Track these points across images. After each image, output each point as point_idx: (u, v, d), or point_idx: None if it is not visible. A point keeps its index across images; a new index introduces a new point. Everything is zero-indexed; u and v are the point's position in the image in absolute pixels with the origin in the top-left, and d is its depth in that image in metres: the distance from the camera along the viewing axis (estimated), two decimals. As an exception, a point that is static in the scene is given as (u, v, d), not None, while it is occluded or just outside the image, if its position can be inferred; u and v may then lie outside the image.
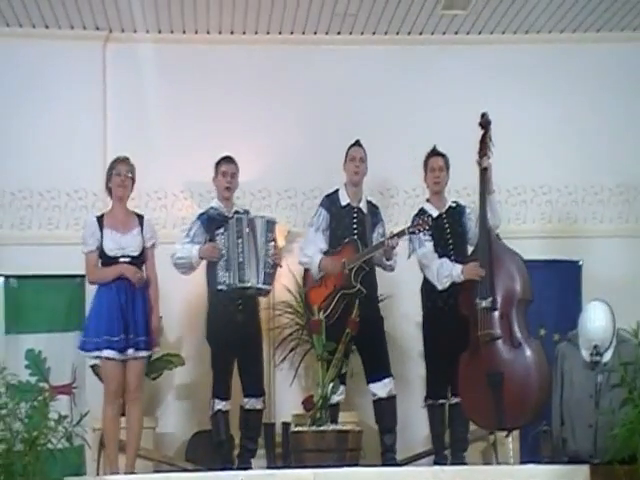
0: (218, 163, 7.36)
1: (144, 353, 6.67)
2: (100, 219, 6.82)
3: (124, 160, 6.86)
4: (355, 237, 7.22)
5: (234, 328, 7.10)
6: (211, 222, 7.22)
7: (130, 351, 6.58)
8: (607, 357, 6.45)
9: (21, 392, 6.15)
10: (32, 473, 5.60)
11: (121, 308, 6.61)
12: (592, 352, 6.46)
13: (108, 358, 6.54)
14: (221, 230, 7.19)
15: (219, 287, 7.13)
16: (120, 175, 6.80)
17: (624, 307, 6.63)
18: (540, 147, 8.69)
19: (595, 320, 6.53)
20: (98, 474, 6.74)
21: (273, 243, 7.25)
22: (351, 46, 8.77)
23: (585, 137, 8.73)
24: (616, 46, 8.80)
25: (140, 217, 6.93)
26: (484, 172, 7.15)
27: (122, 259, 6.71)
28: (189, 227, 7.28)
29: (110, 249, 6.71)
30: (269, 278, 7.21)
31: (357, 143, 7.41)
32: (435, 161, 7.36)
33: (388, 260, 7.23)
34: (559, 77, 8.80)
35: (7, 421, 5.65)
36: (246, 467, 6.87)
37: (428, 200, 7.44)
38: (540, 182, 8.79)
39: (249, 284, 7.11)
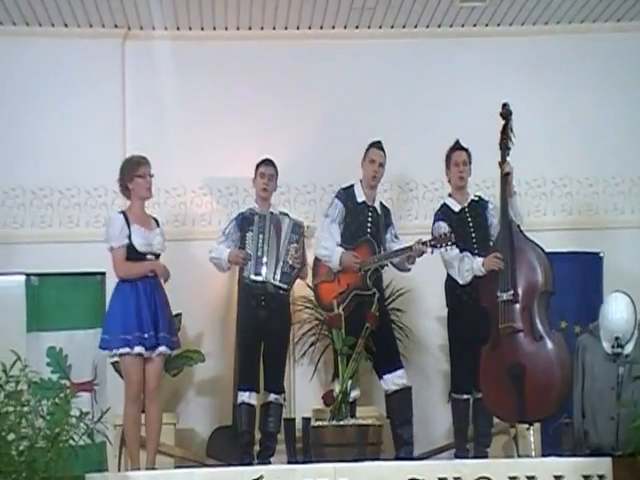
0: (258, 165, 7.48)
1: (164, 349, 6.66)
2: (125, 216, 6.80)
3: (146, 162, 6.85)
4: (369, 236, 7.24)
5: (257, 323, 7.20)
6: (244, 221, 7.34)
7: (162, 348, 6.61)
8: (629, 349, 6.44)
9: (43, 389, 6.16)
10: (54, 469, 5.61)
11: (149, 305, 6.62)
12: (613, 344, 6.44)
13: (130, 355, 6.54)
14: (250, 227, 7.30)
15: (245, 281, 7.24)
16: (145, 177, 6.80)
17: (646, 298, 6.61)
18: (560, 139, 8.64)
19: (616, 312, 6.52)
20: (119, 470, 6.76)
21: (296, 245, 7.30)
22: (369, 40, 8.74)
23: (606, 128, 8.65)
24: (638, 35, 8.70)
25: (156, 220, 6.96)
26: (506, 177, 7.11)
27: (149, 256, 6.73)
28: (227, 226, 7.45)
29: (140, 244, 6.70)
30: (286, 278, 7.25)
31: (378, 145, 7.38)
32: (459, 155, 7.33)
33: (411, 264, 7.24)
34: (580, 68, 8.72)
35: (29, 418, 5.65)
36: (266, 463, 6.90)
37: (450, 195, 7.42)
38: (560, 174, 8.73)
39: (261, 278, 7.17)
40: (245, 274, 7.26)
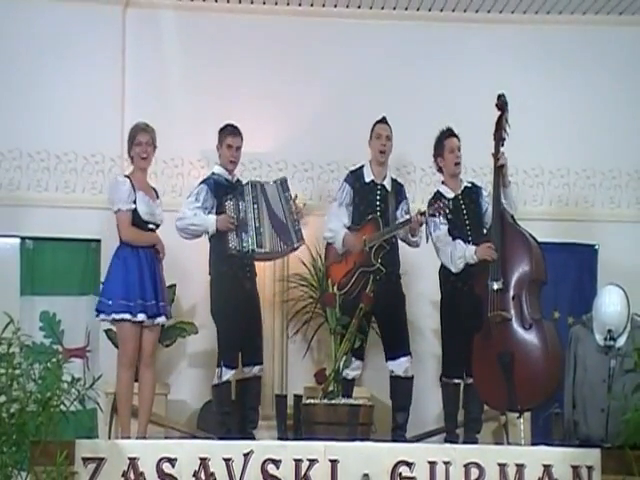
0: (222, 132, 7.26)
1: (162, 319, 6.66)
2: (131, 181, 6.73)
3: (144, 128, 6.79)
4: (378, 214, 7.22)
5: (242, 294, 7.08)
6: (218, 187, 7.17)
7: (162, 319, 6.60)
8: (621, 342, 6.48)
9: (35, 353, 6.14)
10: (44, 433, 5.61)
11: (151, 274, 6.60)
12: (606, 336, 6.48)
13: (128, 321, 6.50)
14: (229, 196, 7.15)
15: (231, 252, 7.08)
16: (141, 145, 6.74)
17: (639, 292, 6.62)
18: (558, 129, 8.65)
19: (610, 304, 6.55)
20: (109, 438, 6.75)
21: (291, 201, 7.24)
22: (371, 20, 8.72)
23: (604, 120, 8.68)
24: (639, 29, 8.71)
25: (155, 190, 6.92)
26: (500, 169, 7.09)
27: (151, 226, 6.71)
28: (196, 192, 7.16)
29: (144, 212, 6.67)
30: (300, 234, 7.22)
31: (384, 120, 7.37)
32: (454, 142, 7.30)
33: (414, 237, 7.24)
34: (580, 58, 8.73)
35: (21, 381, 5.64)
36: (250, 438, 6.87)
37: (443, 182, 7.39)
38: (557, 164, 8.75)
39: (265, 249, 7.10)
40: (231, 245, 7.07)
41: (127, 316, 6.53)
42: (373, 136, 7.35)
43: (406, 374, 7.10)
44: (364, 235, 7.16)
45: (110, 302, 6.56)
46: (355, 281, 7.07)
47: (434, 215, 7.08)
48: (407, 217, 7.19)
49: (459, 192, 7.31)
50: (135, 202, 6.67)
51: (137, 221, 6.67)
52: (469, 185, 7.37)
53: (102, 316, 6.62)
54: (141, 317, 6.54)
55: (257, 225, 7.11)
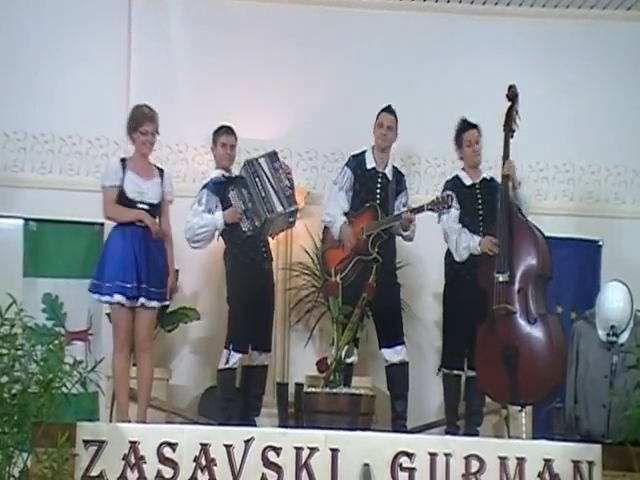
0: (217, 133, 7.38)
1: (155, 304, 6.62)
2: (123, 162, 6.78)
3: (151, 117, 6.77)
4: (377, 203, 7.22)
5: (261, 277, 7.17)
6: (217, 186, 7.25)
7: (142, 300, 6.54)
8: (624, 338, 6.47)
9: (37, 335, 6.17)
10: (46, 415, 5.63)
11: (135, 256, 6.56)
12: (609, 332, 6.48)
13: (119, 304, 6.51)
14: (230, 187, 7.22)
15: (247, 234, 7.15)
16: (147, 135, 6.76)
17: (643, 289, 6.63)
18: (564, 124, 8.62)
19: (613, 301, 6.54)
20: (111, 421, 6.75)
21: (280, 169, 7.30)
22: (378, 10, 8.69)
23: (611, 116, 8.65)
24: (644, 24, 8.71)
25: (161, 170, 6.91)
26: (506, 178, 7.06)
27: (140, 205, 6.67)
28: (198, 197, 7.26)
29: (130, 191, 6.67)
30: (291, 199, 7.28)
31: (388, 109, 7.37)
32: (471, 134, 7.29)
33: (405, 231, 7.23)
34: (587, 53, 8.70)
35: (23, 362, 5.66)
36: (251, 425, 6.87)
37: (463, 169, 7.40)
38: (563, 159, 8.73)
39: (280, 209, 7.18)
40: (245, 229, 7.16)
41: (105, 298, 6.55)
42: (376, 124, 7.34)
43: (401, 361, 7.10)
44: (361, 223, 7.17)
45: (97, 282, 6.60)
46: (351, 268, 7.07)
47: (433, 210, 7.07)
48: (400, 212, 7.17)
49: (477, 181, 7.31)
50: (122, 181, 6.67)
51: (124, 200, 6.67)
52: (488, 178, 7.36)
53: (93, 296, 6.65)
54: (118, 298, 6.51)
55: (263, 194, 7.19)
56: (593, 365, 6.49)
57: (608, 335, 6.47)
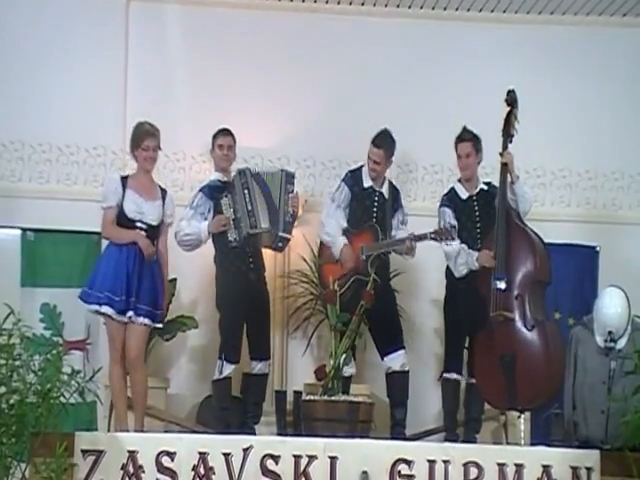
0: (215, 136, 7.38)
1: (145, 321, 6.59)
2: (124, 179, 6.79)
3: (153, 133, 6.80)
4: (374, 222, 7.22)
5: (247, 287, 7.14)
6: (213, 190, 7.25)
7: (130, 314, 6.53)
8: (621, 344, 6.49)
9: (35, 345, 6.16)
10: (44, 425, 5.63)
11: (127, 272, 6.57)
12: (606, 338, 6.49)
13: (106, 315, 6.53)
14: (224, 194, 7.21)
15: (232, 244, 7.14)
16: (148, 150, 6.77)
17: (640, 295, 6.63)
18: (562, 130, 8.63)
19: (611, 306, 6.55)
20: (109, 431, 6.75)
21: (292, 194, 7.28)
22: (374, 18, 8.69)
23: (608, 122, 8.65)
24: (641, 31, 8.72)
25: (164, 191, 6.92)
26: (505, 167, 7.08)
27: (139, 224, 6.67)
28: (192, 200, 7.29)
29: (130, 210, 6.68)
30: (289, 227, 7.26)
31: (376, 142, 7.24)
32: (462, 148, 7.26)
33: (407, 255, 7.24)
34: (584, 59, 8.70)
35: (21, 372, 5.66)
36: (251, 433, 6.87)
37: (459, 180, 7.39)
38: (560, 165, 8.72)
39: (259, 230, 7.14)
40: (230, 238, 7.15)
41: (95, 307, 6.56)
42: (368, 153, 7.30)
43: (402, 368, 7.12)
44: (360, 242, 7.18)
45: (88, 291, 6.61)
46: (349, 287, 7.05)
47: (436, 240, 7.06)
48: (402, 238, 7.16)
49: (474, 193, 7.29)
50: (122, 200, 6.68)
51: (123, 219, 6.69)
52: (485, 187, 7.33)
53: (82, 304, 6.66)
54: (106, 309, 6.52)
55: (249, 208, 7.16)
56: (591, 371, 6.50)
57: (606, 341, 6.48)
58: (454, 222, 7.14)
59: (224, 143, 7.32)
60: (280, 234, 7.21)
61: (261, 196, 7.22)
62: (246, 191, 7.21)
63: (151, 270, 6.66)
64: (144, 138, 6.77)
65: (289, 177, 7.34)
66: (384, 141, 7.28)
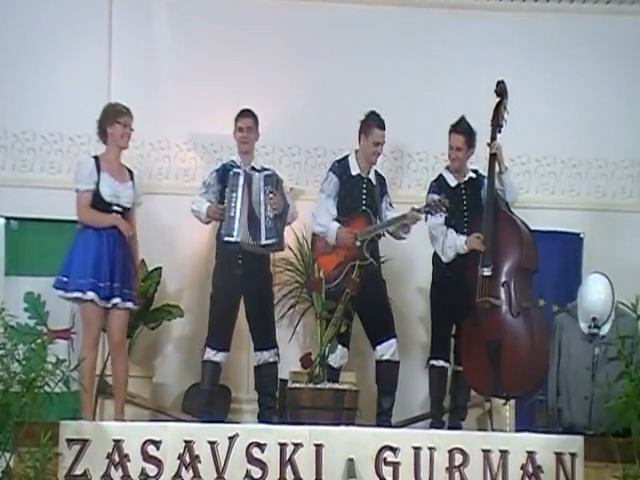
0: (235, 119, 7.35)
1: (130, 305, 6.64)
2: (97, 162, 6.75)
3: (129, 113, 6.79)
4: (365, 208, 7.22)
5: (233, 282, 7.18)
6: (225, 173, 7.24)
7: (116, 300, 6.54)
8: (605, 330, 6.50)
9: (19, 334, 6.12)
10: (28, 415, 5.62)
11: (109, 256, 6.57)
12: (590, 324, 6.50)
13: (92, 301, 6.50)
14: (230, 182, 7.21)
15: (222, 239, 7.18)
16: (127, 127, 6.76)
17: (624, 281, 6.65)
18: (546, 117, 8.61)
19: (595, 293, 6.56)
20: (94, 419, 6.74)
21: (272, 195, 7.19)
22: (361, 5, 8.65)
23: (593, 110, 8.65)
24: (636, 18, 8.68)
25: (131, 172, 6.90)
26: (493, 157, 7.09)
27: (115, 207, 6.67)
28: (206, 178, 7.37)
29: (107, 194, 6.66)
30: (272, 232, 7.19)
31: (383, 125, 7.26)
32: (453, 139, 7.25)
33: (406, 233, 7.25)
34: (574, 47, 8.68)
35: (5, 362, 5.65)
36: (234, 421, 6.91)
37: (448, 168, 7.39)
38: (544, 153, 8.72)
39: (233, 239, 7.12)
40: (222, 232, 7.20)
41: (78, 294, 6.52)
42: (369, 139, 7.25)
43: (393, 357, 7.13)
44: (355, 229, 7.15)
45: (66, 280, 6.57)
46: (347, 274, 7.04)
47: (429, 213, 7.07)
48: (403, 213, 7.17)
49: (462, 181, 7.30)
50: (98, 183, 6.65)
51: (100, 203, 6.66)
52: (473, 176, 7.34)
53: (60, 292, 6.62)
54: (90, 295, 6.50)
55: (231, 214, 7.14)
56: (575, 357, 6.51)
57: (590, 327, 6.50)
58: (440, 197, 7.11)
59: (243, 125, 7.29)
60: (264, 242, 7.17)
61: (242, 204, 7.16)
62: (234, 195, 7.16)
63: (125, 252, 6.67)
64: (121, 115, 6.76)
65: (267, 179, 7.24)
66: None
